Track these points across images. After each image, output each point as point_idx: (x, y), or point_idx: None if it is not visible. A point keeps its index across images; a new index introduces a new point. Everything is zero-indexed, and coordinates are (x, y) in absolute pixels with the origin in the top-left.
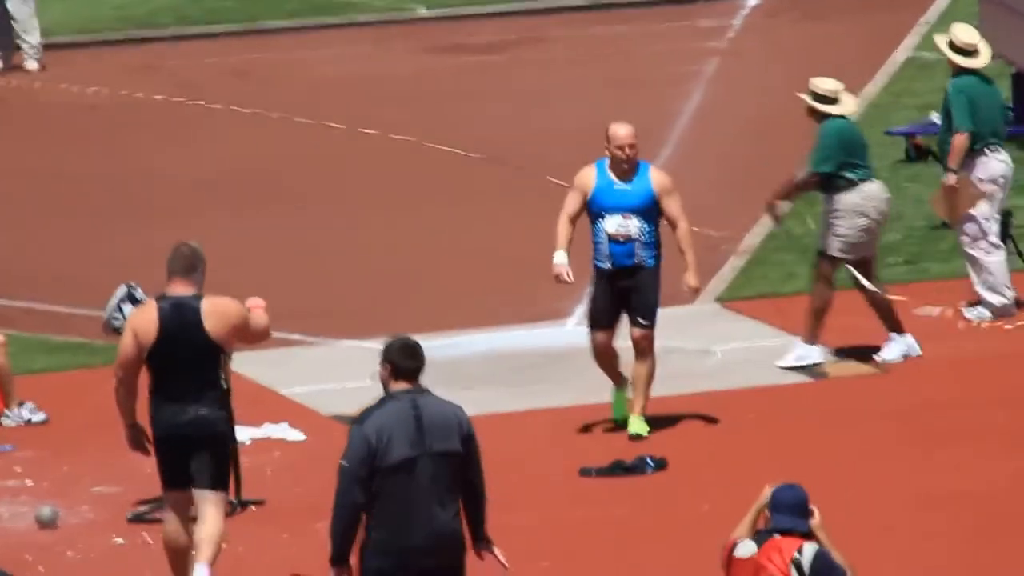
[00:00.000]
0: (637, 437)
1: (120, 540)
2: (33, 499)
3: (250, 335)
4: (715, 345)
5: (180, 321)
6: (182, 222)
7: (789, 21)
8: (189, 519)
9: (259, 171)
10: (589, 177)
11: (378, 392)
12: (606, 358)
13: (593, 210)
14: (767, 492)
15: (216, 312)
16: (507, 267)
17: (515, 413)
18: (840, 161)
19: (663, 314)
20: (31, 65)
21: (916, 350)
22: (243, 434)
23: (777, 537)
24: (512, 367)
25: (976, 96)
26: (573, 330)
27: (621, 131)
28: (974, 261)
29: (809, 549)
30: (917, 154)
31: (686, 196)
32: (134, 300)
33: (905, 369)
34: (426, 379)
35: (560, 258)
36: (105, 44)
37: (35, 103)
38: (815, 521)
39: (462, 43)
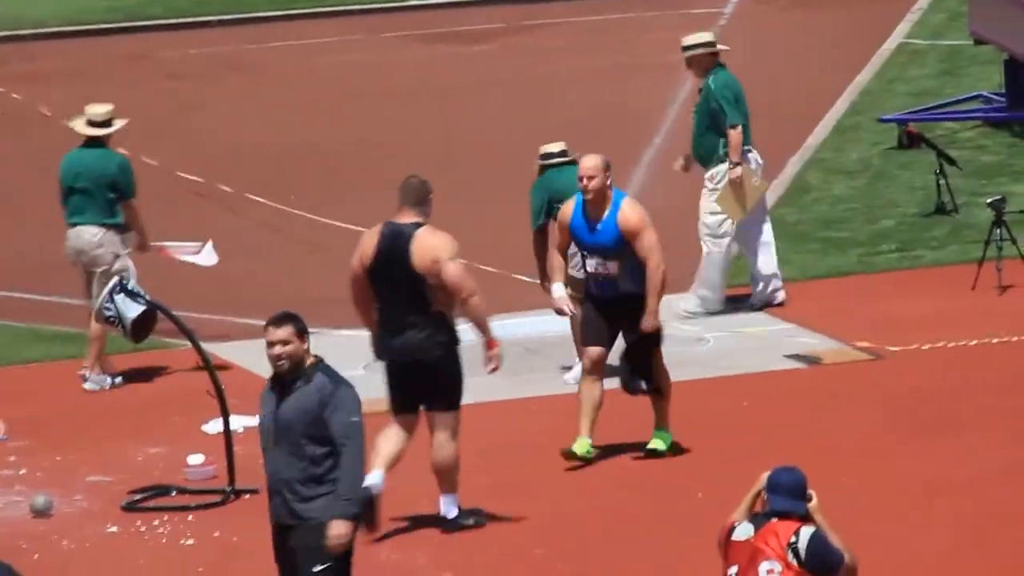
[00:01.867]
0: (654, 453)
1: (114, 528)
2: (27, 488)
3: (447, 282)
4: (708, 332)
5: (393, 246)
6: (168, 211)
7: (780, 8)
8: (406, 440)
9: (250, 161)
10: (567, 214)
11: (375, 382)
12: (593, 382)
13: (575, 245)
14: (764, 476)
15: (423, 243)
16: (504, 256)
17: (512, 401)
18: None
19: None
20: None
21: None
22: (237, 423)
23: (774, 520)
24: (510, 354)
25: (739, 90)
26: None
27: (583, 162)
28: (704, 253)
29: (806, 532)
30: (910, 141)
31: (678, 185)
32: (125, 290)
33: (900, 356)
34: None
35: (559, 291)
36: (97, 34)
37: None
38: (813, 504)
39: (455, 31)
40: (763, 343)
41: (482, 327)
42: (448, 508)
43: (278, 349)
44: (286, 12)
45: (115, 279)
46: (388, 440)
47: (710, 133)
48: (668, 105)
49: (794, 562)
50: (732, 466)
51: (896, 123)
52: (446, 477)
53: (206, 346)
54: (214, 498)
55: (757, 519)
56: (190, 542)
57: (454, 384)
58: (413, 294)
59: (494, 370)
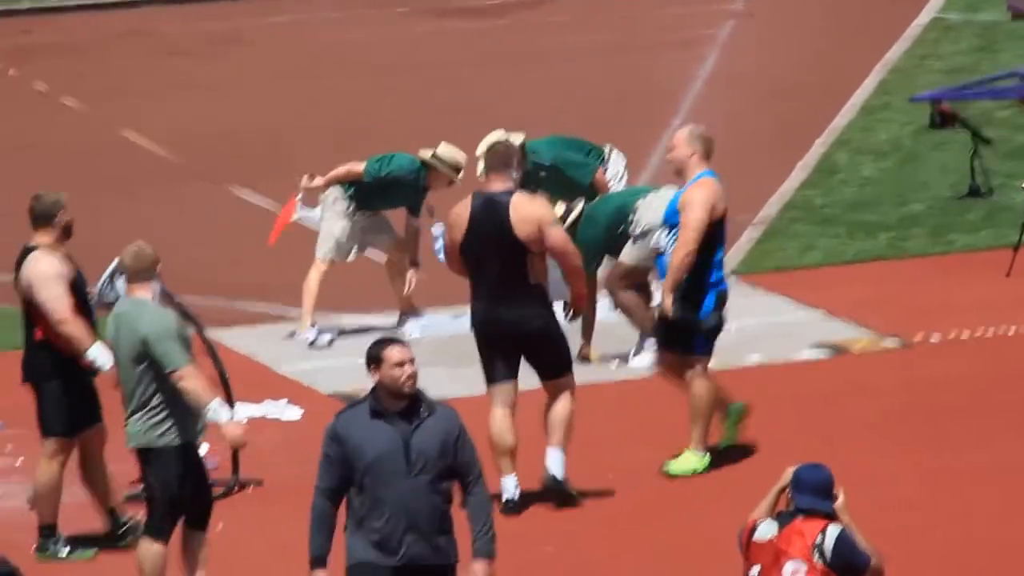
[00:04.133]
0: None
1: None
2: (25, 479)
3: (552, 247)
4: (731, 320)
5: (489, 215)
6: (166, 194)
7: None
8: (511, 411)
9: (251, 140)
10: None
11: None
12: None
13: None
14: (789, 472)
15: (523, 208)
16: None
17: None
18: None
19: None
20: None
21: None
22: (240, 412)
23: (799, 519)
24: None
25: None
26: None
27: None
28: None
29: (832, 531)
30: (942, 120)
31: None
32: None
33: (930, 344)
34: (428, 355)
35: None
36: (95, 8)
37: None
38: (839, 503)
39: (462, 6)
40: (788, 331)
41: (577, 283)
42: (555, 464)
43: (409, 369)
44: None
45: (115, 262)
46: (504, 434)
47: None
48: (689, 83)
49: (819, 563)
50: (752, 458)
51: (928, 102)
52: (560, 428)
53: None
54: (217, 490)
55: (781, 517)
56: None
57: (563, 347)
58: (513, 264)
59: (574, 318)
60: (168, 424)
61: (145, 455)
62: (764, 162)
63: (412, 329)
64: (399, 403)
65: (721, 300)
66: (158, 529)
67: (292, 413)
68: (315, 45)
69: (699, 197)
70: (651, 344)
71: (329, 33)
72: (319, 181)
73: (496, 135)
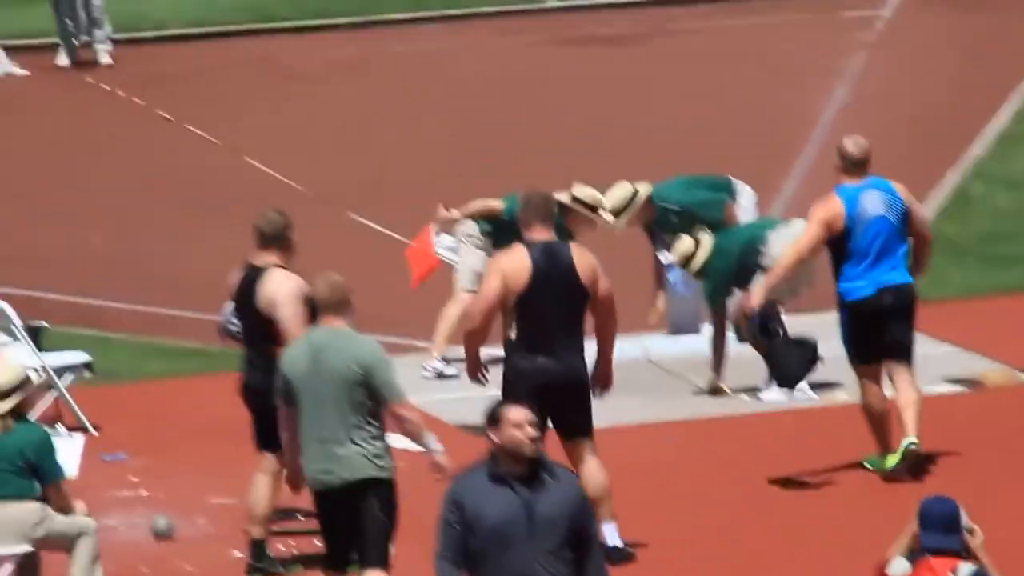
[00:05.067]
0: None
1: (238, 553)
2: (148, 509)
3: (604, 297)
4: None
5: (554, 263)
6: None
7: (942, 12)
8: None
9: (372, 167)
10: None
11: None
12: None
13: None
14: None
15: (583, 256)
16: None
17: (648, 425)
18: None
19: (808, 320)
20: (106, 59)
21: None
22: None
23: (930, 557)
24: (654, 375)
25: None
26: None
27: None
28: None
29: (965, 571)
30: None
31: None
32: None
33: None
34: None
35: None
36: (221, 36)
37: (128, 102)
38: (976, 541)
39: (592, 35)
40: (922, 365)
41: (612, 345)
42: (612, 536)
43: (532, 431)
44: (416, 15)
45: None
46: None
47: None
48: (820, 116)
49: None
50: (883, 492)
51: None
52: (607, 503)
53: None
54: None
55: (914, 555)
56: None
57: (591, 407)
58: (574, 314)
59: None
60: (387, 454)
61: (362, 486)
62: None
63: None
64: (520, 466)
65: (851, 311)
66: (383, 559)
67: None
68: (439, 73)
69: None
70: None
71: (453, 62)
72: (455, 213)
73: (622, 187)
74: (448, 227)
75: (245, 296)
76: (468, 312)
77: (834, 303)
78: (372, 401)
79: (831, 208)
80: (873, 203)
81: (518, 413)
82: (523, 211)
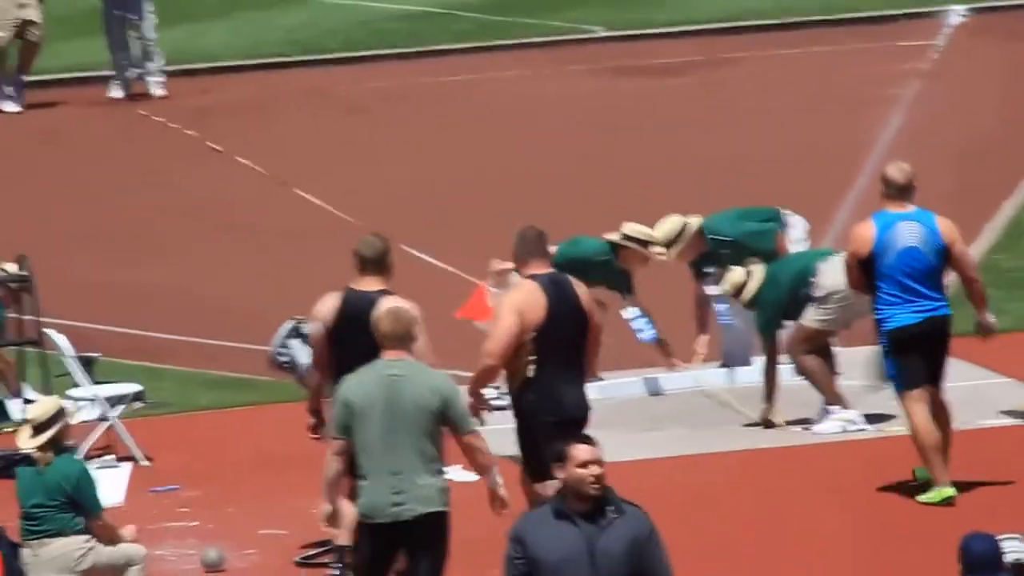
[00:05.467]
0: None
1: None
2: (199, 540)
3: (598, 329)
4: None
5: (562, 295)
6: (337, 250)
7: (996, 40)
8: None
9: (422, 197)
10: None
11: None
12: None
13: None
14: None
15: (582, 288)
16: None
17: (700, 456)
18: None
19: (861, 352)
20: (158, 91)
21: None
22: None
23: None
24: (706, 406)
25: None
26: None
27: None
28: None
29: None
30: None
31: None
32: (300, 335)
33: None
34: (605, 418)
35: None
36: (271, 68)
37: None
38: None
39: (643, 65)
40: (976, 398)
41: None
42: None
43: (597, 469)
44: (466, 45)
45: (290, 323)
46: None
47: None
48: (874, 145)
49: None
50: (943, 525)
51: None
52: None
53: None
54: None
55: None
56: None
57: None
58: (579, 345)
59: None
60: (447, 488)
61: (430, 520)
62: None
63: (590, 392)
64: (585, 504)
65: (890, 338)
66: None
67: (465, 477)
68: (487, 104)
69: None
70: (835, 409)
71: (502, 92)
72: (509, 264)
73: (672, 219)
74: (502, 279)
75: (353, 322)
76: (486, 350)
77: (864, 338)
78: (439, 433)
79: (858, 233)
80: (909, 233)
81: (584, 452)
82: (520, 247)
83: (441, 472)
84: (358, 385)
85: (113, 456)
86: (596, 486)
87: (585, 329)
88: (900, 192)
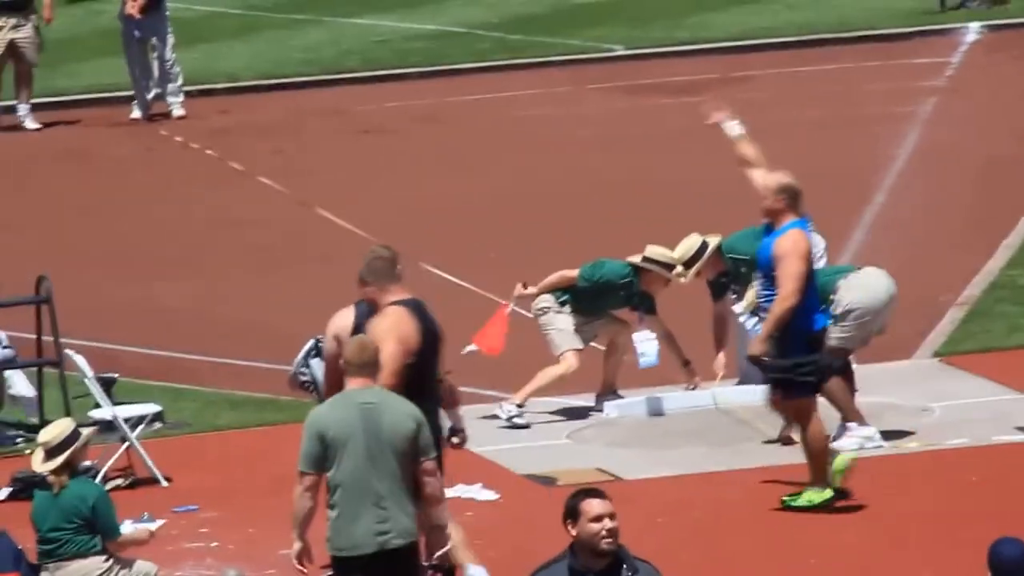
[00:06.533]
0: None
1: None
2: (218, 561)
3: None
4: (933, 402)
5: (427, 320)
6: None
7: (1012, 57)
8: None
9: (445, 216)
10: None
11: (574, 450)
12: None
13: None
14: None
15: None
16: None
17: (717, 473)
18: None
19: (879, 369)
20: (178, 112)
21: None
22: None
23: None
24: (723, 423)
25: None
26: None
27: None
28: None
29: None
30: None
31: (903, 243)
32: (321, 354)
33: None
34: (626, 436)
35: None
36: (289, 88)
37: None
38: None
39: (661, 83)
40: (992, 414)
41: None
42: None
43: (608, 524)
44: (486, 64)
45: (311, 342)
46: None
47: None
48: (891, 161)
49: None
50: (957, 543)
51: None
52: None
53: None
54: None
55: None
56: None
57: None
58: (435, 368)
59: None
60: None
61: (408, 550)
62: (968, 240)
63: (609, 410)
64: (600, 561)
65: (814, 344)
66: None
67: (486, 496)
68: (509, 122)
69: (793, 249)
70: (853, 426)
71: (522, 111)
72: (532, 290)
73: (692, 238)
74: (525, 303)
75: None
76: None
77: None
78: (411, 462)
79: (807, 242)
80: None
81: (596, 506)
82: (375, 275)
83: (412, 504)
84: (335, 416)
85: (147, 514)
86: (609, 540)
87: (438, 353)
88: (797, 204)
